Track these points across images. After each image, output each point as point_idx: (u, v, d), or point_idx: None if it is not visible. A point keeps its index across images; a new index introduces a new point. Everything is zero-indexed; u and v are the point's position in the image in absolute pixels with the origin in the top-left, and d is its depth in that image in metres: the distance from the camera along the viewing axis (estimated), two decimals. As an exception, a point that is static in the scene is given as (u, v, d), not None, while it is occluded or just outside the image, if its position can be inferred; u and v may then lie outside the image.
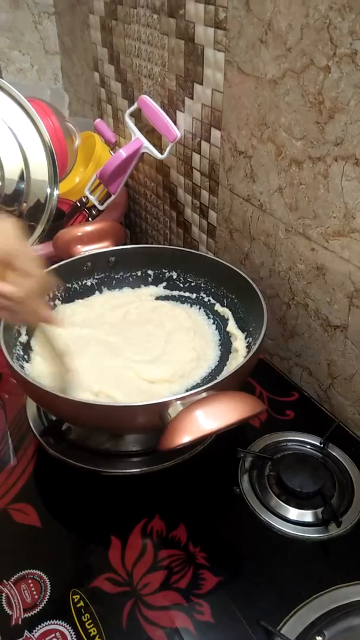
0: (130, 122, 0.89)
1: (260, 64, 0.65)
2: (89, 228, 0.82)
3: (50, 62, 1.30)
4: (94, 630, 0.49)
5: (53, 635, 0.49)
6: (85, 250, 0.80)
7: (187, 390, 0.64)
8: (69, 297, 0.80)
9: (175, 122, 0.86)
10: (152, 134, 0.91)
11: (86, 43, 1.12)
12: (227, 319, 0.76)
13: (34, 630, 0.49)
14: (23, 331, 0.71)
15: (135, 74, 0.95)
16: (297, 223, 0.68)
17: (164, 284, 0.83)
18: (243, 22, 0.65)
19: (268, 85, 0.65)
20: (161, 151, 0.88)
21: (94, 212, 0.95)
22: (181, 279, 0.82)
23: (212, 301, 0.79)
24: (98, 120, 1.02)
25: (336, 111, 0.57)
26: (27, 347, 0.70)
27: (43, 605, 0.52)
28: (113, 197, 0.92)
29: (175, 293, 0.83)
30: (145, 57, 0.90)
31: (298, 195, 0.66)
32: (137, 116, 0.94)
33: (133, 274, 0.83)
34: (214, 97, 0.76)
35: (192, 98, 0.81)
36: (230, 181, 0.79)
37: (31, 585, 0.53)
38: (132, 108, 0.88)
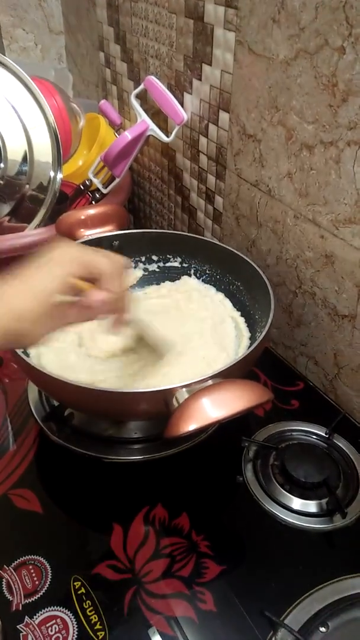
0: (136, 104, 0.87)
1: (272, 45, 0.63)
2: (92, 211, 0.80)
3: (55, 41, 1.27)
4: (95, 617, 0.49)
5: (54, 621, 0.49)
6: (89, 234, 0.79)
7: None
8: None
9: (182, 104, 0.84)
10: (158, 116, 0.89)
11: (92, 22, 1.09)
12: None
13: (35, 617, 0.49)
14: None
15: (142, 54, 0.93)
16: (307, 209, 0.66)
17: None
18: (255, 1, 0.63)
19: (280, 67, 0.63)
20: (167, 134, 0.87)
21: (97, 195, 0.93)
22: (185, 265, 0.81)
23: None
24: (103, 101, 1.00)
25: (350, 94, 0.55)
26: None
27: (44, 591, 0.51)
28: (117, 180, 0.90)
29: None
30: (152, 37, 0.88)
31: (308, 181, 0.64)
32: (143, 98, 0.92)
33: (137, 259, 0.82)
34: (223, 79, 0.74)
35: (200, 79, 0.79)
36: (238, 166, 0.77)
37: (32, 571, 0.53)
38: (138, 89, 0.86)
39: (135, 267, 0.83)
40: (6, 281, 0.43)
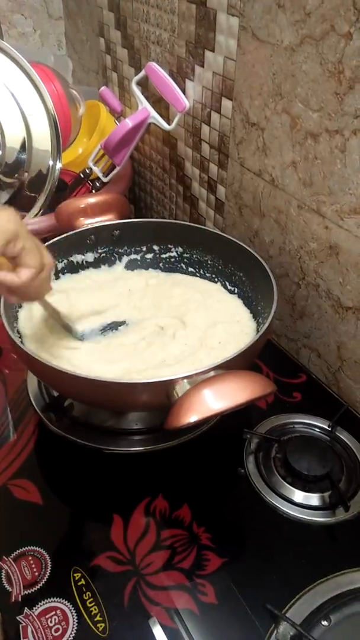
0: (137, 91, 0.85)
1: (277, 30, 0.62)
2: (92, 200, 0.79)
3: (54, 27, 1.25)
4: (95, 609, 0.49)
5: (53, 612, 0.49)
6: (89, 222, 0.78)
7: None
8: (73, 269, 0.79)
9: (184, 92, 0.82)
10: (160, 104, 0.88)
11: (91, 7, 1.07)
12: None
13: (34, 608, 0.49)
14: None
15: (143, 40, 0.91)
16: (311, 199, 0.65)
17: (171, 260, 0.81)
18: (260, -16, 0.62)
19: (284, 53, 0.62)
20: (169, 122, 0.85)
21: (97, 184, 0.92)
22: (187, 255, 0.80)
23: (220, 279, 0.78)
24: (103, 87, 0.98)
25: (357, 81, 0.54)
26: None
27: (43, 582, 0.51)
28: (118, 168, 0.89)
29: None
30: (153, 22, 0.86)
31: (313, 170, 0.64)
32: (144, 85, 0.90)
33: (137, 248, 0.81)
34: (226, 65, 0.72)
35: (202, 66, 0.77)
36: (240, 154, 0.76)
37: (31, 562, 0.52)
38: (140, 75, 0.85)
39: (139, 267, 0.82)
40: None
